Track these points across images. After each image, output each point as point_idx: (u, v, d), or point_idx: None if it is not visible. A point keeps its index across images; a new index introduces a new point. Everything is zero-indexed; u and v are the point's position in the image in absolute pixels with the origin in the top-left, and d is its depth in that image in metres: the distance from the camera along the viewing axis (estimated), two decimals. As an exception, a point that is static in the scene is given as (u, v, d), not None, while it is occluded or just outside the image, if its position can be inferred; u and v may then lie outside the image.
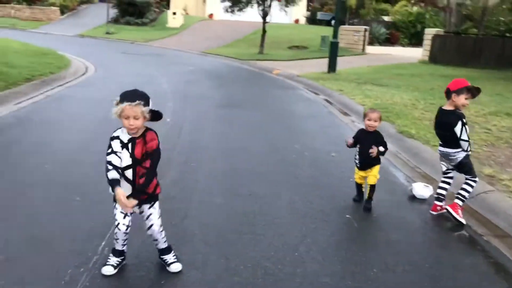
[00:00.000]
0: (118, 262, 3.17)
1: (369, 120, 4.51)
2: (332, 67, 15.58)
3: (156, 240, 3.21)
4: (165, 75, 13.39)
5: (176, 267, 3.21)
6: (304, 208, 4.43)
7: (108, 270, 3.10)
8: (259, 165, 5.65)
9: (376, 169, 4.54)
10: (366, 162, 4.53)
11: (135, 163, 2.95)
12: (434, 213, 4.49)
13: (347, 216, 4.32)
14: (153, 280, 3.06)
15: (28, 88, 9.50)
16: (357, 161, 4.60)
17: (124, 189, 2.93)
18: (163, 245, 3.23)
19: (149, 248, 3.36)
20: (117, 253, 3.17)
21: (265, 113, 9.13)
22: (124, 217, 3.04)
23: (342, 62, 17.13)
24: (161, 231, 3.19)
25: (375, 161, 4.52)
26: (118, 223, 3.03)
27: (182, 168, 5.34)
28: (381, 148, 4.42)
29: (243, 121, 8.17)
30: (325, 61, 16.04)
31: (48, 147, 5.86)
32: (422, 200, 4.83)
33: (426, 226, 4.28)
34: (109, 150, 2.98)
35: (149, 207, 3.10)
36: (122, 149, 2.95)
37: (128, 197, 2.93)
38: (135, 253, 3.37)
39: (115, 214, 3.06)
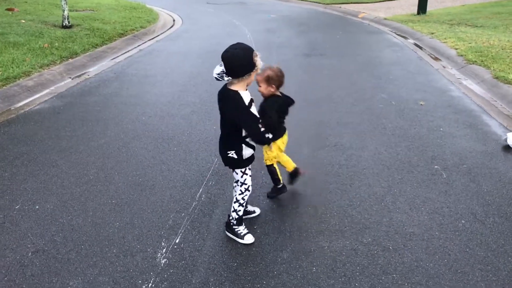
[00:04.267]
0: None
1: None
2: (422, 7, 14.68)
3: None
4: (248, 24, 13.43)
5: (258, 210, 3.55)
6: (390, 159, 4.43)
7: (249, 239, 3.14)
8: (345, 115, 5.66)
9: (264, 148, 3.54)
10: None
11: None
12: (531, 164, 4.30)
13: (436, 167, 4.26)
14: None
15: (122, 43, 10.06)
16: None
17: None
18: None
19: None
20: (241, 221, 3.20)
21: (350, 60, 8.95)
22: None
23: (434, 2, 16.10)
24: None
25: None
26: (250, 185, 3.14)
27: (268, 119, 5.49)
28: None
29: (327, 70, 8.10)
30: (415, 1, 15.14)
31: (144, 99, 6.28)
32: (518, 151, 4.63)
33: (521, 178, 4.11)
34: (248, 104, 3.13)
35: None
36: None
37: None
38: (229, 198, 3.64)
39: (244, 180, 3.11)
